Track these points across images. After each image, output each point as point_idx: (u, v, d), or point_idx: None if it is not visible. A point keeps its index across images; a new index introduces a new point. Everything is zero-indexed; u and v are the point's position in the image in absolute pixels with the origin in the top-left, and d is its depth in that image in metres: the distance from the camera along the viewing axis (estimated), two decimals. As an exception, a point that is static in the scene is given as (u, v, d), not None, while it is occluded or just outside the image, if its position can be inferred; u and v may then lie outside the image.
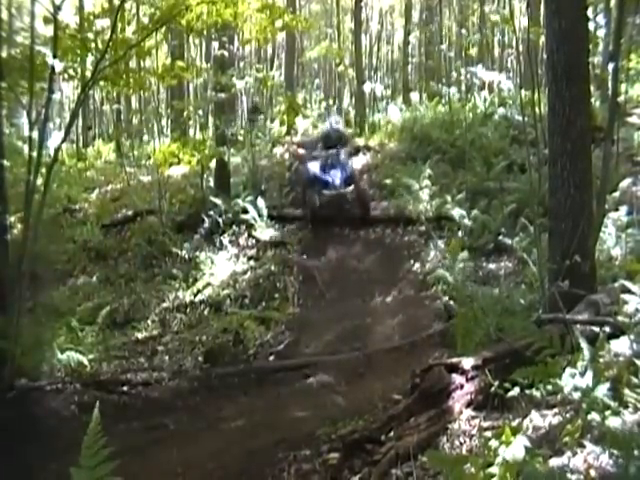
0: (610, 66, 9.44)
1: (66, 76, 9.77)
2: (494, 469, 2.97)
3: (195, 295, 10.95)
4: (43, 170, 8.02)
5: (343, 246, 12.24)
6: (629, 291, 5.59)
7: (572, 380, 3.77)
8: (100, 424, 2.31)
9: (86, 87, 8.61)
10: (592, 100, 8.92)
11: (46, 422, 6.77)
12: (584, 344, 4.41)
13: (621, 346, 4.62)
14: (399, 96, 25.25)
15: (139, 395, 7.62)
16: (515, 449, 2.99)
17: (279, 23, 13.48)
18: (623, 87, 11.63)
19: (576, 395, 3.73)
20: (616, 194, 9.95)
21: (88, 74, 8.85)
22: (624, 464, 3.08)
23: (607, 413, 3.45)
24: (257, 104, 21.17)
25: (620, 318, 5.24)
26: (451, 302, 9.19)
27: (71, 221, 14.48)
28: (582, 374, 3.79)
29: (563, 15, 6.47)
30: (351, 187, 12.65)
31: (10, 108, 10.95)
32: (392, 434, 4.56)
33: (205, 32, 14.78)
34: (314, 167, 12.97)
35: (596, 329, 5.20)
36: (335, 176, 12.71)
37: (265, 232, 12.76)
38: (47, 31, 9.84)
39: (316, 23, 25.61)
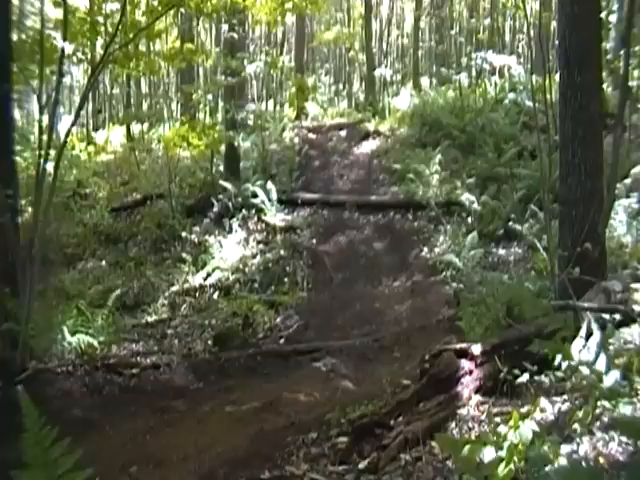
0: (622, 52, 9.35)
1: (76, 59, 9.77)
2: (502, 453, 2.97)
3: (204, 279, 10.99)
4: (53, 154, 8.03)
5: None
6: (640, 278, 5.57)
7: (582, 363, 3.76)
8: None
9: (96, 70, 8.58)
10: (604, 86, 8.85)
11: (56, 404, 6.81)
12: (595, 330, 4.39)
13: (631, 334, 4.61)
14: (409, 81, 25.14)
15: (148, 378, 7.65)
16: (523, 433, 3.00)
17: (289, 5, 13.48)
18: (635, 73, 11.55)
19: (586, 382, 3.72)
20: (627, 181, 9.90)
21: (98, 57, 8.85)
22: (634, 452, 3.08)
23: (617, 400, 3.44)
24: None
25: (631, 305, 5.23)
26: (461, 287, 9.20)
27: (81, 205, 14.52)
28: (593, 362, 3.78)
29: (575, 0, 6.42)
30: None
31: (20, 92, 10.96)
32: (401, 419, 4.56)
33: (215, 15, 14.73)
34: None
35: (606, 316, 5.18)
36: None
37: (275, 216, 12.77)
38: (57, 14, 9.83)
39: (326, 6, 25.44)
